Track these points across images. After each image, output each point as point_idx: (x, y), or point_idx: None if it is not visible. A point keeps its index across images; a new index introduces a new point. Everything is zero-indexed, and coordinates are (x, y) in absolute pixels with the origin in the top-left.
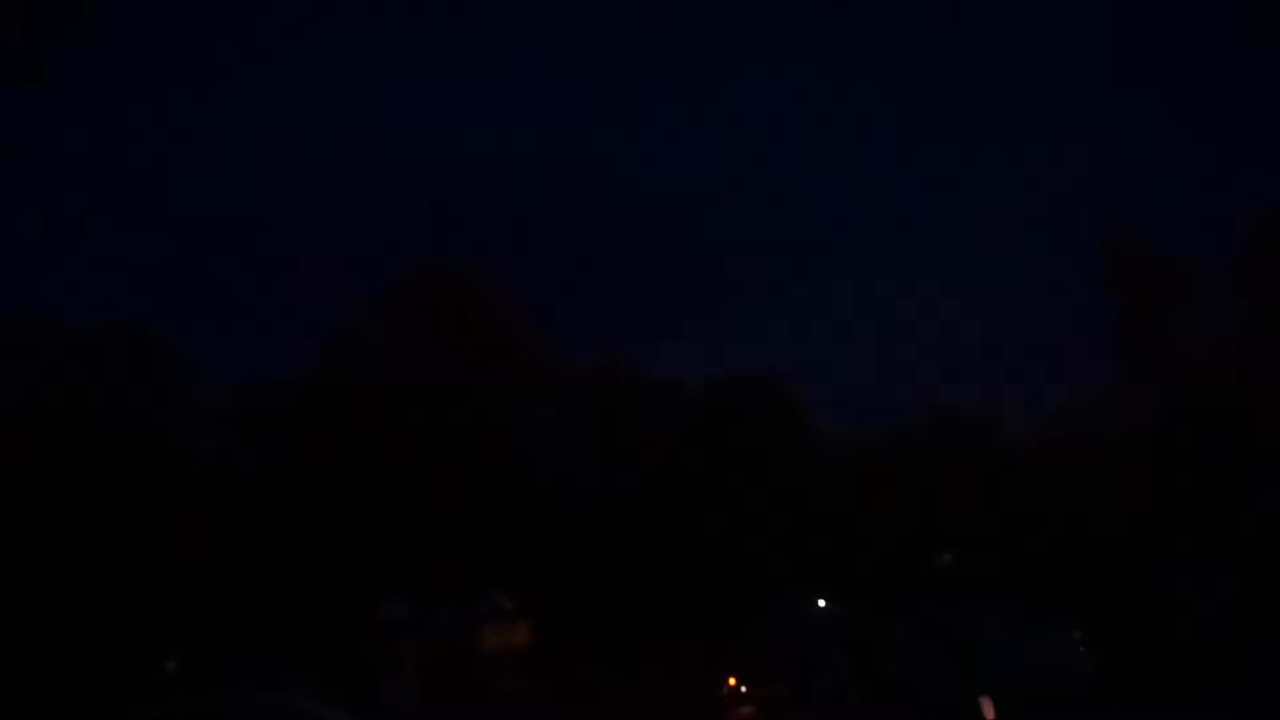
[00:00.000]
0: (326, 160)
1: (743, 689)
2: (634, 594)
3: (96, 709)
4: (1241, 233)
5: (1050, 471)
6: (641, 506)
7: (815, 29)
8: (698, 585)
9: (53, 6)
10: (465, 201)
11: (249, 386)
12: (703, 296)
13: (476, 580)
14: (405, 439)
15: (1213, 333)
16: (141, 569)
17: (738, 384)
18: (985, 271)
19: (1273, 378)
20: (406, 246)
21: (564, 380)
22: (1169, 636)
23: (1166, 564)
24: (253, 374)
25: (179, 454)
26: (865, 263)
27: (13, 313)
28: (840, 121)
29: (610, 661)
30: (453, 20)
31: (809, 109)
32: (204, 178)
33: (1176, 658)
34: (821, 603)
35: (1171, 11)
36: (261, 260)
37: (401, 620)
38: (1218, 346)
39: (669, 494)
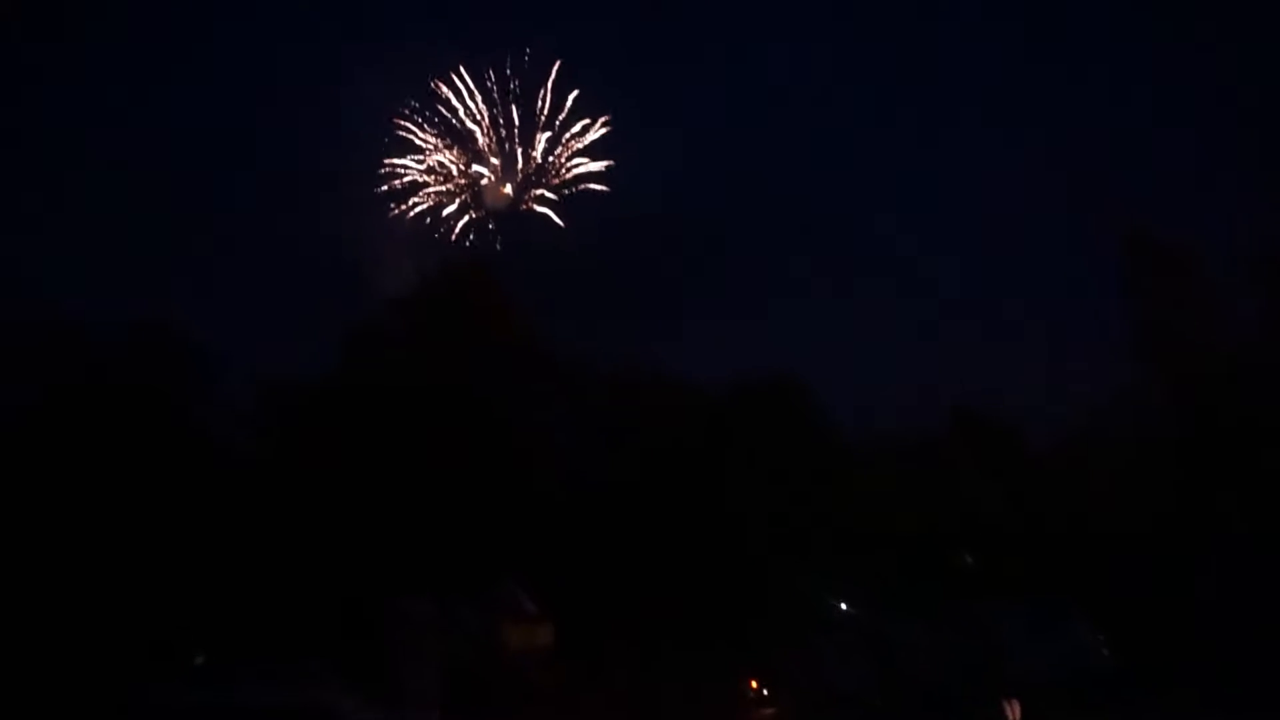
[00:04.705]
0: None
1: (764, 691)
2: (655, 592)
3: (122, 699)
4: (1261, 229)
5: (1072, 471)
6: (662, 505)
7: (824, 23)
8: (719, 585)
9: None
10: None
11: (271, 382)
12: (722, 293)
13: (496, 577)
14: (426, 435)
15: (1234, 330)
16: (167, 562)
17: (758, 382)
18: (1008, 271)
19: None
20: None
21: (584, 378)
22: (1190, 637)
23: (1188, 565)
24: (275, 369)
25: (204, 447)
26: (887, 260)
27: (36, 306)
28: (858, 119)
29: (632, 661)
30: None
31: (823, 109)
32: (225, 172)
33: (1196, 659)
34: (844, 605)
35: (1190, 8)
36: (284, 253)
37: (423, 615)
38: (1240, 344)
39: (689, 493)
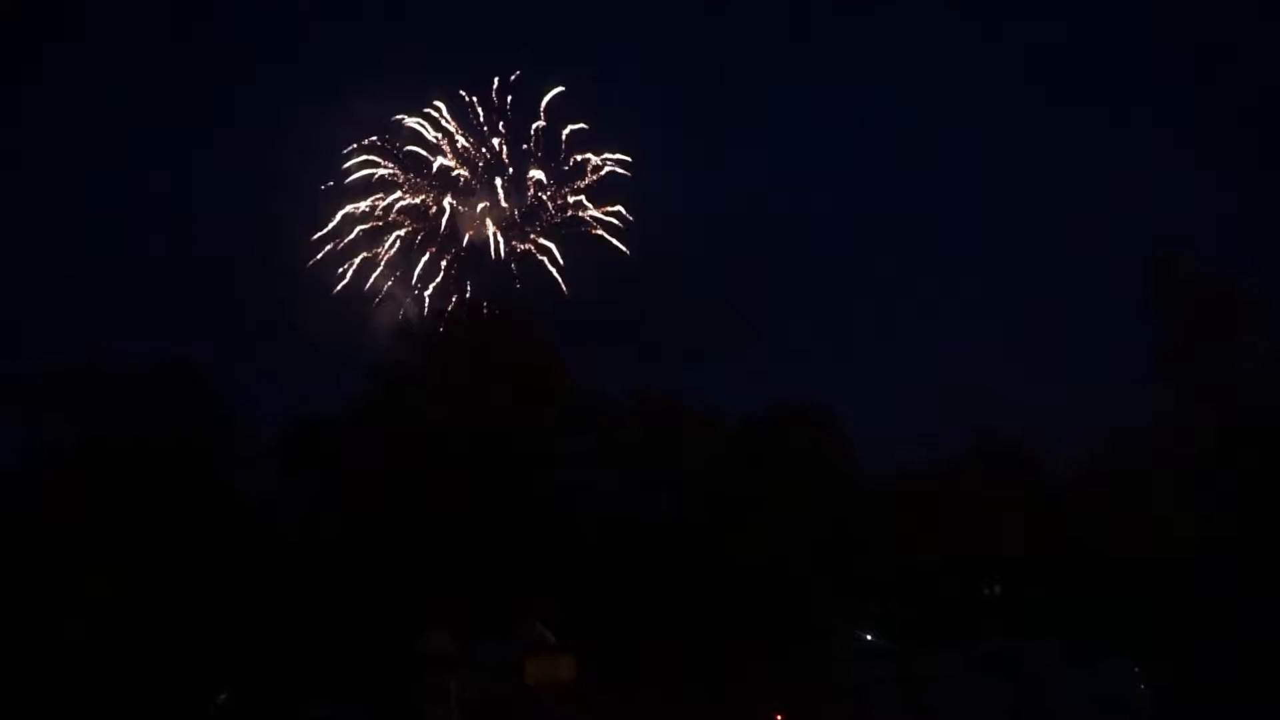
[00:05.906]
0: None
1: None
2: (678, 624)
3: None
4: None
5: (1097, 500)
6: (685, 535)
7: (863, 64)
8: (742, 615)
9: None
10: None
11: (294, 421)
12: (746, 323)
13: (519, 612)
14: (447, 472)
15: (1260, 357)
16: (193, 600)
17: (780, 412)
18: (1030, 298)
19: None
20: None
21: (606, 411)
22: (1219, 665)
23: (1214, 592)
24: (297, 408)
25: (228, 486)
26: (909, 290)
27: (63, 349)
28: (886, 154)
29: (655, 693)
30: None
31: (855, 145)
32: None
33: (1226, 686)
34: (869, 636)
35: (1214, 50)
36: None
37: (444, 652)
38: (1267, 369)
39: (712, 523)
